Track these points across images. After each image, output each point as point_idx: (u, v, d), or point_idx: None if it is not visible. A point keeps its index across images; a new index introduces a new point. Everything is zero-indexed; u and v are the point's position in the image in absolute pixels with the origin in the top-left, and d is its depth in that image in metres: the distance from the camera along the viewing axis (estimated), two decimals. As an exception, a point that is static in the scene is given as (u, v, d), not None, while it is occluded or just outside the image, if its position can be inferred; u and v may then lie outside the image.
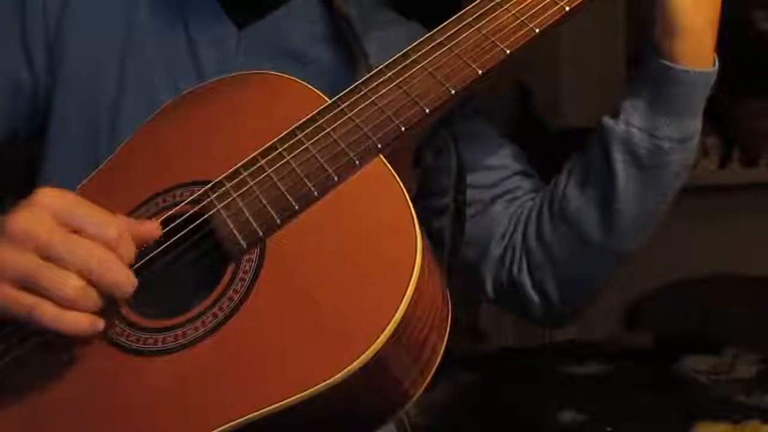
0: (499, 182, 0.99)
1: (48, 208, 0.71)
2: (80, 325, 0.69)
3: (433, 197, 0.92)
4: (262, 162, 0.78)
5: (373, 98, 0.79)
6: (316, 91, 0.82)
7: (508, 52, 0.80)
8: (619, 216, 0.90)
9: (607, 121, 0.90)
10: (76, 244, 0.70)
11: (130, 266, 0.72)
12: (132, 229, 0.73)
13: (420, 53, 0.81)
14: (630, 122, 0.88)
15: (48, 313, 0.68)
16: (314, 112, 0.79)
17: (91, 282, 0.69)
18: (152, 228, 0.76)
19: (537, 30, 0.81)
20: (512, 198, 0.99)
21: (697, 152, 0.91)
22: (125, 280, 0.71)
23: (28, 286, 0.69)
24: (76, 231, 0.71)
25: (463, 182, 0.93)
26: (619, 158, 0.89)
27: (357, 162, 0.76)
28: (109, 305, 0.72)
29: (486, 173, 0.99)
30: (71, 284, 0.68)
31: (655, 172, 0.89)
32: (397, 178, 0.74)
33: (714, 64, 0.87)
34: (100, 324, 0.71)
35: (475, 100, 0.97)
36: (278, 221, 0.75)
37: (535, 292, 0.96)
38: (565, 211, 0.93)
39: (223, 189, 0.78)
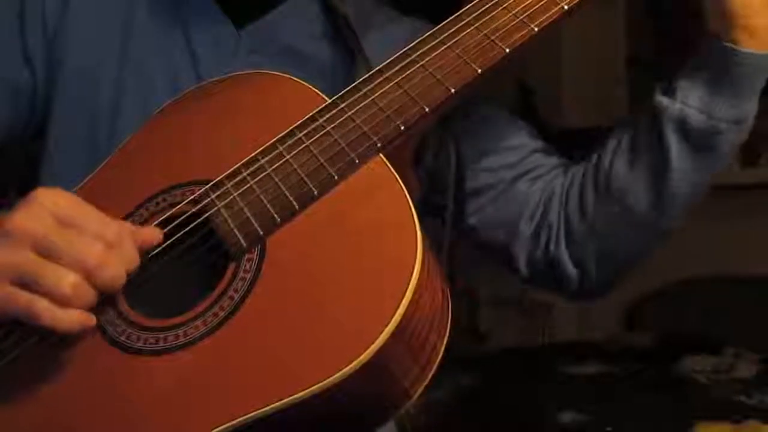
0: (519, 162, 0.99)
1: (46, 206, 0.71)
2: (75, 322, 0.70)
3: (432, 195, 0.92)
4: (263, 161, 0.78)
5: (373, 97, 0.79)
6: (316, 90, 0.82)
7: (507, 51, 0.80)
8: (669, 193, 0.91)
9: (661, 99, 0.91)
10: (73, 241, 0.70)
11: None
12: (133, 235, 0.74)
13: (420, 52, 0.81)
14: (686, 102, 0.89)
15: (44, 310, 0.69)
16: (314, 112, 0.79)
17: (87, 279, 0.70)
18: (153, 233, 0.76)
19: (536, 29, 0.81)
20: (536, 176, 0.99)
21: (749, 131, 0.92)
22: (122, 278, 0.71)
23: (26, 283, 0.69)
24: (74, 230, 0.71)
25: (463, 181, 0.93)
26: (672, 137, 0.90)
27: (357, 161, 0.76)
28: (105, 302, 0.72)
29: (504, 154, 0.99)
30: (68, 281, 0.69)
31: (708, 152, 0.90)
32: (398, 177, 0.74)
33: None
34: (92, 321, 0.71)
35: (484, 91, 0.97)
36: (278, 220, 0.75)
37: (574, 265, 0.97)
38: (611, 188, 0.94)
39: (224, 188, 0.78)
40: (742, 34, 0.86)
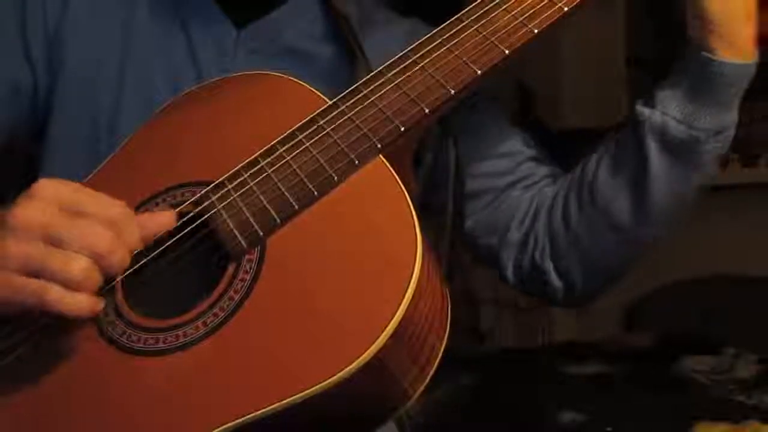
0: (514, 168, 1.00)
1: (49, 197, 0.71)
2: (86, 306, 0.70)
3: (432, 196, 0.92)
4: (263, 163, 0.78)
5: (373, 99, 0.79)
6: (316, 91, 0.82)
7: (507, 52, 0.80)
8: (651, 203, 0.91)
9: (642, 110, 0.91)
10: (79, 227, 0.70)
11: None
12: (143, 222, 0.74)
13: (419, 54, 0.81)
14: (666, 112, 0.89)
15: (55, 295, 0.69)
16: (314, 113, 0.79)
17: (95, 262, 0.70)
18: (165, 218, 0.76)
19: (536, 30, 0.81)
20: (530, 183, 1.00)
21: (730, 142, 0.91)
22: (127, 260, 0.72)
23: (35, 271, 0.69)
24: (77, 216, 0.71)
25: (462, 181, 0.93)
26: (653, 147, 0.89)
27: (357, 162, 0.76)
28: (104, 302, 0.73)
29: (501, 160, 0.99)
30: (77, 265, 0.69)
31: (688, 162, 0.89)
32: (397, 178, 0.74)
33: (754, 57, 0.88)
34: (101, 305, 0.71)
35: (484, 91, 0.97)
36: (278, 221, 0.75)
37: (559, 277, 0.97)
38: (594, 198, 0.94)
39: (224, 190, 0.78)
40: (721, 43, 0.86)
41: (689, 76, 0.88)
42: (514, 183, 0.99)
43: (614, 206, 0.92)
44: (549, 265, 0.97)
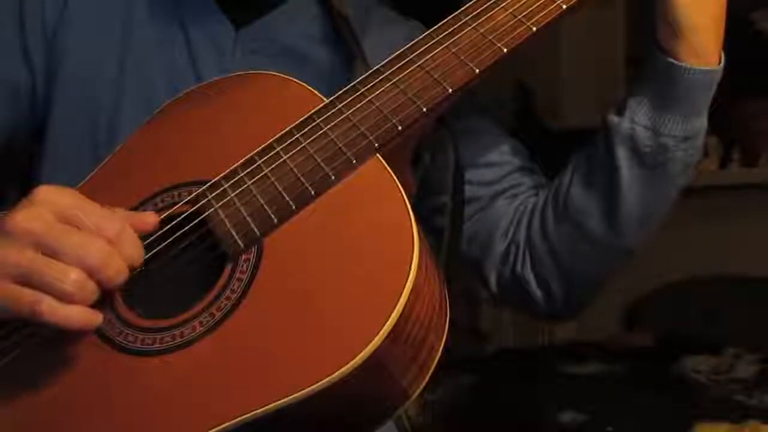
0: (501, 179, 0.99)
1: (48, 205, 0.71)
2: (79, 319, 0.69)
3: (431, 195, 0.92)
4: (260, 162, 0.78)
5: (371, 97, 0.79)
6: (314, 90, 0.82)
7: (505, 50, 0.80)
8: (622, 213, 0.90)
9: (612, 118, 0.91)
10: (76, 239, 0.70)
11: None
12: (130, 221, 0.74)
13: (417, 52, 0.81)
14: (635, 120, 0.89)
15: (48, 307, 0.68)
16: (311, 112, 0.79)
17: (90, 276, 0.70)
18: (150, 219, 0.76)
19: (534, 28, 0.81)
20: (515, 194, 0.99)
21: (701, 150, 0.91)
22: (124, 274, 0.71)
23: (29, 281, 0.69)
24: (76, 227, 0.71)
25: (461, 180, 0.93)
26: (622, 156, 0.89)
27: (354, 161, 0.76)
28: (103, 302, 0.72)
29: (487, 170, 0.99)
30: (71, 278, 0.69)
31: (658, 170, 0.89)
32: (395, 177, 0.74)
33: (720, 62, 0.87)
34: (99, 318, 0.71)
35: (476, 97, 0.97)
36: (276, 221, 0.75)
37: (539, 287, 0.97)
38: (568, 208, 0.93)
39: (221, 189, 0.78)
40: (689, 50, 0.85)
41: (656, 82, 0.88)
42: (500, 193, 0.99)
43: (587, 217, 0.92)
44: (529, 274, 0.96)
